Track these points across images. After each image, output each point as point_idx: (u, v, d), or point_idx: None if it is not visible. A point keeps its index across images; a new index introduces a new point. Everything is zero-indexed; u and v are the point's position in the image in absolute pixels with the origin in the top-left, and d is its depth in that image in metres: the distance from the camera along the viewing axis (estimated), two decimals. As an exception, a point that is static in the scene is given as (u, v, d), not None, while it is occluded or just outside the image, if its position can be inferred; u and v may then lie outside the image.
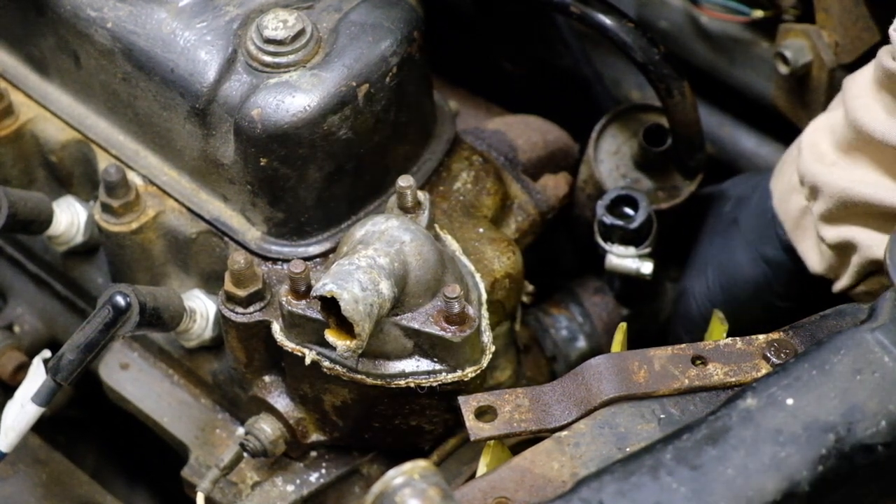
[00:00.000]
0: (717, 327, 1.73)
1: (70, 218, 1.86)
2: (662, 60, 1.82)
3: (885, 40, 1.63)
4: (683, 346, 1.50)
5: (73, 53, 1.80)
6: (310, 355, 1.67)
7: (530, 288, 1.91)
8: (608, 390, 1.46)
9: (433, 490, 1.23)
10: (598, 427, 1.43)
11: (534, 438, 1.48)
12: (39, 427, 1.79)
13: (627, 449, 1.38)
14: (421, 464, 1.25)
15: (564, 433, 1.43)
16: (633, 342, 1.70)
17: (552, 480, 1.38)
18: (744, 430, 1.35)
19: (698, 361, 1.49)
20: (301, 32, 1.69)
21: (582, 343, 2.03)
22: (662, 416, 1.44)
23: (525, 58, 2.23)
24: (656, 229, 1.89)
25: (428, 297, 1.64)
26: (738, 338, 1.51)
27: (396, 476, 1.24)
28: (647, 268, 1.89)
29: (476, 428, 1.46)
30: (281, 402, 1.77)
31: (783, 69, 1.90)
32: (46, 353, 1.77)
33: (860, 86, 1.67)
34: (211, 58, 1.70)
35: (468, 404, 1.48)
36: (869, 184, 1.66)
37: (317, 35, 1.70)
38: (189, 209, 1.78)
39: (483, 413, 1.48)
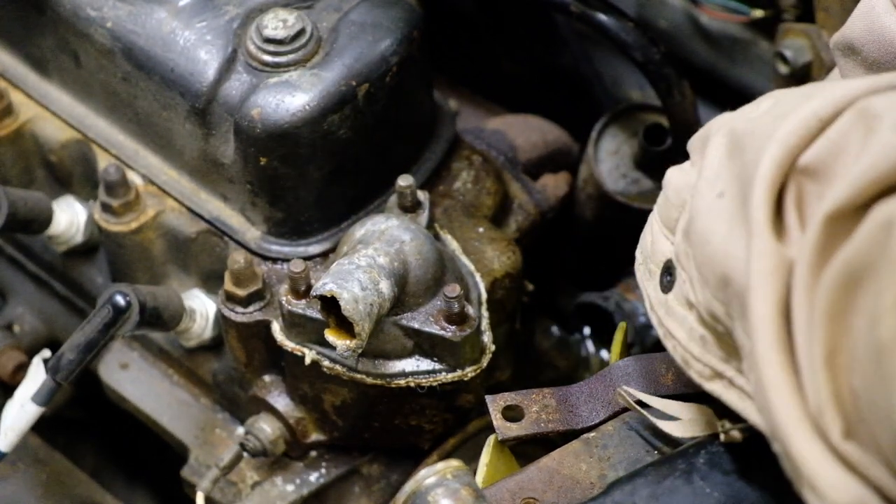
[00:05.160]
0: None
1: (70, 217, 1.86)
2: (662, 60, 1.82)
3: None
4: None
5: (73, 53, 1.79)
6: (310, 355, 1.67)
7: (530, 288, 1.90)
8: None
9: (466, 490, 1.23)
10: (625, 429, 1.41)
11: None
12: (39, 427, 1.78)
13: (655, 452, 1.37)
14: (453, 463, 1.24)
15: (592, 434, 1.41)
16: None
17: (580, 482, 1.37)
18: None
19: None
20: (301, 32, 1.68)
21: None
22: (691, 418, 1.42)
23: (525, 58, 2.23)
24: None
25: (428, 297, 1.64)
26: None
27: (429, 476, 1.23)
28: None
29: (504, 427, 1.45)
30: (281, 401, 1.77)
31: (783, 69, 1.90)
32: (46, 353, 1.77)
33: None
34: (211, 57, 1.70)
35: (495, 403, 1.47)
36: None
37: (317, 34, 1.70)
38: (189, 209, 1.78)
39: (510, 412, 1.47)
